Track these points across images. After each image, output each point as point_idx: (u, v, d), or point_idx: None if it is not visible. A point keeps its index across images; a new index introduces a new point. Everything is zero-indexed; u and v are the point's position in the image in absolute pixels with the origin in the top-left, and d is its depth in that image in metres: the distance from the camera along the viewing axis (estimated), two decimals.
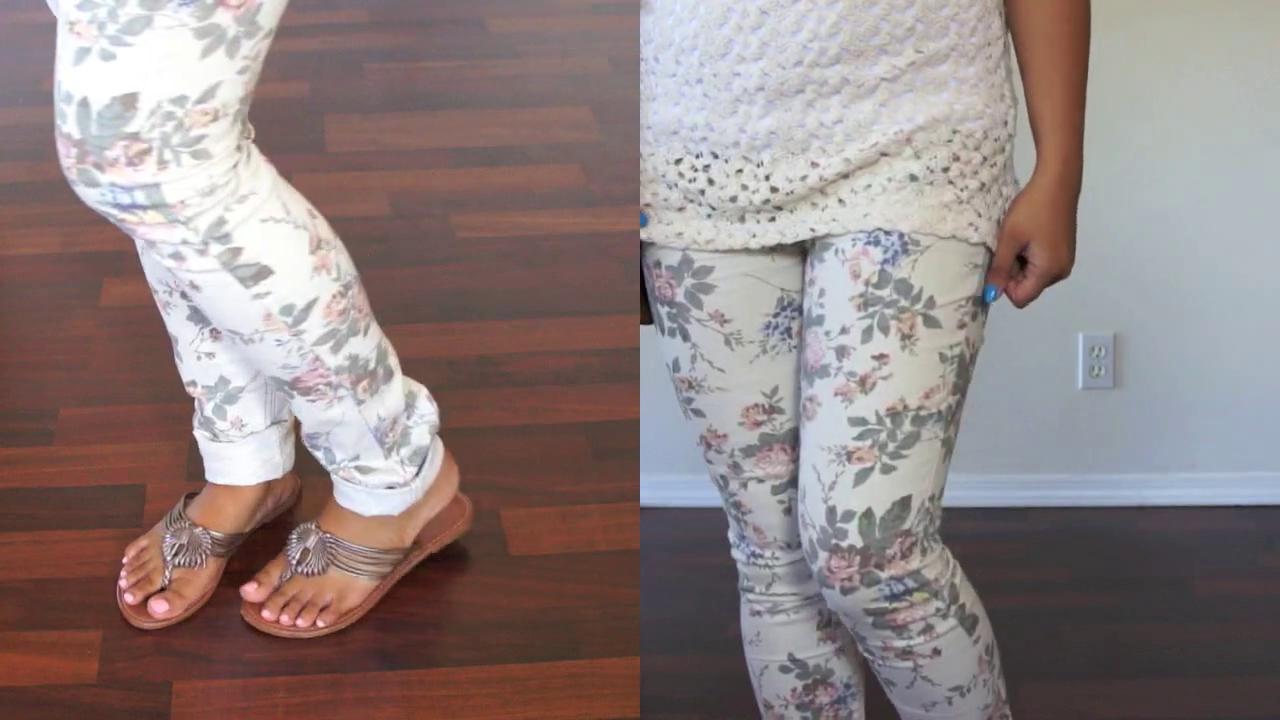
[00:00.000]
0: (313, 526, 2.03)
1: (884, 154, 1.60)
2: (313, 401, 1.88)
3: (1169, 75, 3.06)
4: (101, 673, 1.94)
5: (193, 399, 2.07)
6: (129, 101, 1.60)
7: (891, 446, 1.60)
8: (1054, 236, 1.63)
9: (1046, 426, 3.21)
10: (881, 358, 1.60)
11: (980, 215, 1.62)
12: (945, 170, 1.60)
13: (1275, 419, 3.16)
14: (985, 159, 1.63)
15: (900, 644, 1.68)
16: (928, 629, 1.67)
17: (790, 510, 1.75)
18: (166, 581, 2.01)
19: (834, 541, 1.62)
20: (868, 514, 1.60)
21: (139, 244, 1.94)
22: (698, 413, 1.75)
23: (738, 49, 1.57)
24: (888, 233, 1.59)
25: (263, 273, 1.74)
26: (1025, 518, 3.15)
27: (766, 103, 1.58)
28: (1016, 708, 2.37)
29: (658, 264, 1.70)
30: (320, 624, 1.98)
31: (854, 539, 1.61)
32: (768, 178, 1.61)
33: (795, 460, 1.72)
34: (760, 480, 1.75)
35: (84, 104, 1.61)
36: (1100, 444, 3.19)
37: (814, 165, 1.59)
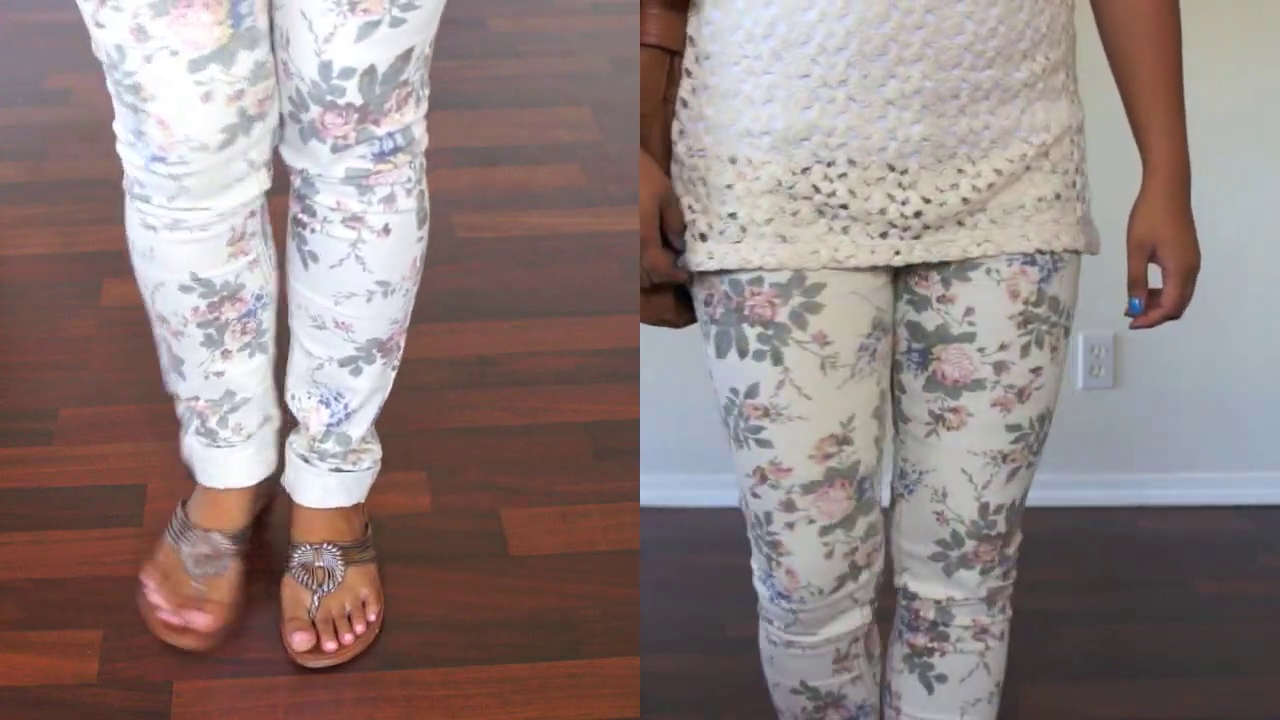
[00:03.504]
0: (309, 546, 2.01)
1: (1028, 168, 1.59)
2: (385, 362, 1.97)
3: None
4: (101, 673, 1.94)
5: (188, 410, 2.03)
6: (407, 55, 1.72)
7: (1036, 446, 1.70)
8: (1178, 236, 1.66)
9: None
10: (1037, 371, 1.65)
11: (1092, 226, 1.68)
12: (1073, 185, 1.64)
13: (1275, 419, 3.16)
14: (1084, 169, 1.67)
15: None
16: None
17: (832, 555, 1.67)
18: (197, 594, 1.97)
19: (985, 532, 1.73)
20: (1012, 506, 1.73)
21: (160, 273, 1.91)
22: (764, 443, 1.62)
23: (896, 50, 1.50)
24: (1043, 253, 1.62)
25: (425, 217, 1.87)
26: (1025, 517, 3.15)
27: (921, 107, 1.52)
28: (1017, 708, 2.37)
29: (757, 282, 1.56)
30: (371, 617, 1.98)
31: (1001, 528, 1.74)
32: (913, 186, 1.55)
33: (852, 500, 1.65)
34: (811, 521, 1.65)
35: (369, 71, 1.71)
36: (1100, 444, 3.19)
37: (960, 173, 1.56)
